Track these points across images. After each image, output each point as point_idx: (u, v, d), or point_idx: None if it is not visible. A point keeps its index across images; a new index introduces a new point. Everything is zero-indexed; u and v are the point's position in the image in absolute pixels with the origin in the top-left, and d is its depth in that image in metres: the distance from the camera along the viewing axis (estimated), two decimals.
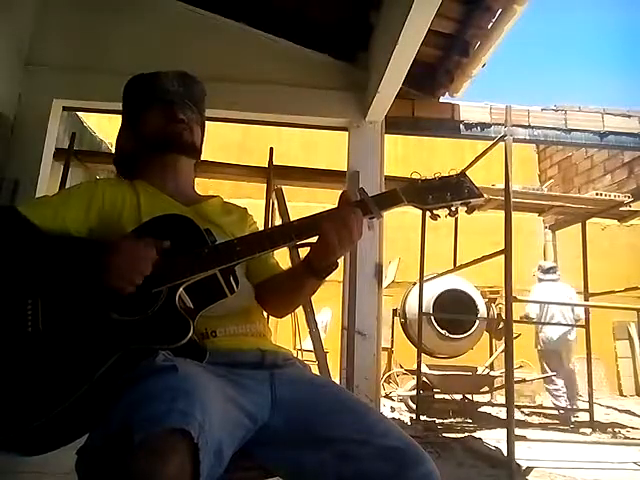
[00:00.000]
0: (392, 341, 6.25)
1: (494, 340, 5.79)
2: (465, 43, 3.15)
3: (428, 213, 1.03)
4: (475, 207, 1.04)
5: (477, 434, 4.02)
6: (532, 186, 6.51)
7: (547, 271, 5.39)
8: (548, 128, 3.73)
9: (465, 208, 1.03)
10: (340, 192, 1.01)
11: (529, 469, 2.91)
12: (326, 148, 7.04)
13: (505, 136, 3.24)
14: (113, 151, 1.28)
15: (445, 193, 1.01)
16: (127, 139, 1.21)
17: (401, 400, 5.41)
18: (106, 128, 5.29)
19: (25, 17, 3.14)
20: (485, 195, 4.14)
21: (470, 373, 5.42)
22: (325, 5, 3.16)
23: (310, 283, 1.05)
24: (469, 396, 5.31)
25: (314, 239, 0.98)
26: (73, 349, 0.87)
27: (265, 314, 1.17)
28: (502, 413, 4.89)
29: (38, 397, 0.84)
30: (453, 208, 1.02)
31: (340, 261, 1.02)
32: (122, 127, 1.24)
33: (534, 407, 5.59)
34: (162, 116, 1.16)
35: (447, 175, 1.03)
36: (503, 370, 4.27)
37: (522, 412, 5.22)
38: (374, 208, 0.98)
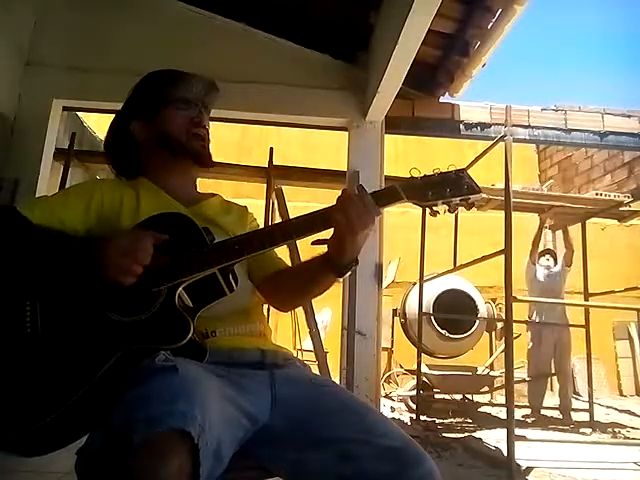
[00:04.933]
0: (392, 341, 6.25)
1: (494, 340, 5.79)
2: (465, 43, 3.15)
3: (428, 209, 1.02)
4: (474, 203, 1.03)
5: (477, 434, 4.01)
6: (532, 186, 6.50)
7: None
8: (548, 128, 3.73)
9: (464, 204, 1.03)
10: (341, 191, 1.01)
11: (529, 469, 2.91)
12: (326, 148, 7.04)
13: (505, 136, 3.23)
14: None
15: (444, 189, 1.00)
16: (139, 128, 1.14)
17: (401, 400, 5.40)
18: (106, 128, 5.27)
19: (25, 17, 3.14)
20: (484, 194, 4.15)
21: (470, 373, 5.41)
22: (325, 5, 3.15)
23: (328, 280, 1.03)
24: (469, 396, 5.31)
25: (328, 236, 0.97)
26: (73, 350, 0.87)
27: (265, 314, 1.17)
28: (502, 413, 4.89)
29: (39, 399, 0.84)
30: (453, 204, 1.02)
31: (358, 260, 1.01)
32: (128, 115, 1.16)
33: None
34: (185, 117, 1.12)
35: (446, 171, 1.02)
36: (503, 370, 4.27)
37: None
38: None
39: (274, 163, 4.02)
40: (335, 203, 0.95)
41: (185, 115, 1.13)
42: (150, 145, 1.14)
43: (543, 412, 5.03)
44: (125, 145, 1.16)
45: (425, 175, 1.02)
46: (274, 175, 4.00)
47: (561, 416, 4.92)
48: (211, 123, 1.20)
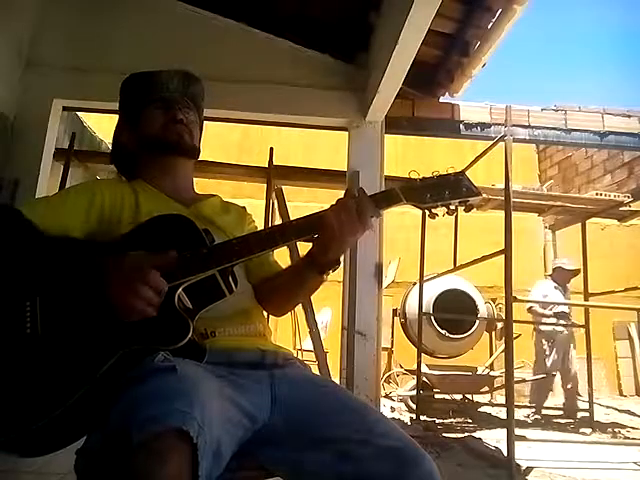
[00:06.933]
0: (392, 341, 6.25)
1: (494, 340, 5.79)
2: (465, 43, 3.15)
3: (427, 212, 1.03)
4: (473, 205, 1.03)
5: (477, 434, 4.01)
6: (532, 186, 6.50)
7: None
8: (548, 128, 3.73)
9: (463, 207, 1.03)
10: (343, 192, 1.01)
11: (529, 469, 2.91)
12: (326, 148, 7.04)
13: (505, 136, 3.23)
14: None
15: (443, 192, 1.00)
16: (126, 137, 1.18)
17: (401, 400, 5.41)
18: (106, 128, 5.26)
19: (25, 17, 3.14)
20: (484, 194, 4.15)
21: (470, 373, 5.42)
22: (325, 5, 3.16)
23: (311, 280, 1.04)
24: (469, 396, 5.31)
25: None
26: (73, 350, 0.87)
27: (265, 314, 1.17)
28: (502, 413, 4.89)
29: (39, 399, 0.84)
30: (452, 207, 1.02)
31: (340, 260, 1.02)
32: (120, 124, 1.21)
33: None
34: (162, 115, 1.14)
35: (445, 174, 1.03)
36: (503, 370, 4.27)
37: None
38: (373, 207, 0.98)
39: (274, 163, 4.02)
40: (332, 205, 0.96)
41: (162, 113, 1.15)
42: (140, 150, 1.17)
43: (544, 412, 5.03)
44: (121, 155, 1.20)
45: (424, 178, 1.02)
46: (274, 175, 3.99)
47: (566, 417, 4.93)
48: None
